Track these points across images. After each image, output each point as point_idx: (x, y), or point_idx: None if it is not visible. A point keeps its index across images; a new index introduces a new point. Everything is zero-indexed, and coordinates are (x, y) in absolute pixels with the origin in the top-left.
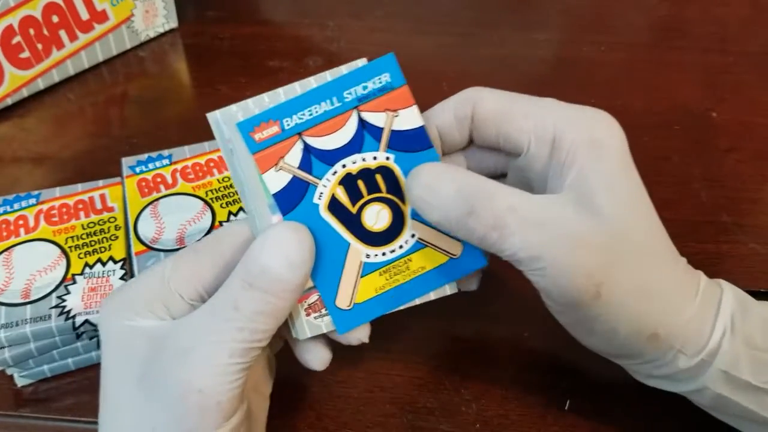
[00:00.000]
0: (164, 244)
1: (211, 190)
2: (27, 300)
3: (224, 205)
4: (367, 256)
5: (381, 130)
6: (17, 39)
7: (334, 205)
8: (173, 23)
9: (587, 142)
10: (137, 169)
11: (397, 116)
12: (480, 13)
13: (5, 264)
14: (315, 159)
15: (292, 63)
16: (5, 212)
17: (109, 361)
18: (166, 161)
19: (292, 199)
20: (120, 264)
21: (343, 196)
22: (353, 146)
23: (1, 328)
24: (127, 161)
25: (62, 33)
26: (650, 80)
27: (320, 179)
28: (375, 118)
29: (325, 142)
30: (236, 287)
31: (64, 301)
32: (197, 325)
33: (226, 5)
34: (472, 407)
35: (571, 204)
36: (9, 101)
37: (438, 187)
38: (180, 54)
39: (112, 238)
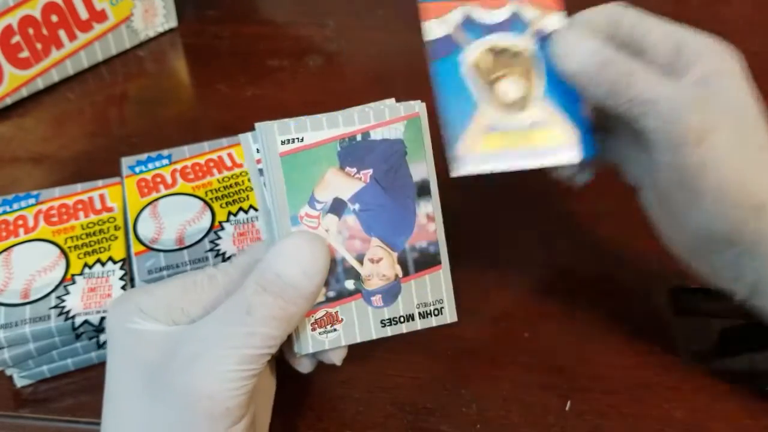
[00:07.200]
0: (164, 244)
1: (210, 190)
2: (26, 300)
3: (224, 205)
4: (493, 119)
5: (531, 21)
6: (16, 38)
7: (475, 70)
8: (173, 23)
9: (711, 51)
10: (137, 169)
11: (548, 15)
12: None
13: (5, 264)
14: (470, 25)
15: (291, 62)
16: (4, 212)
17: (114, 364)
18: (165, 161)
19: (441, 50)
20: (119, 264)
21: (484, 64)
22: (506, 26)
23: (1, 329)
24: (126, 161)
25: (61, 32)
26: None
27: (470, 43)
28: (530, 11)
29: (483, 15)
30: (250, 291)
31: (63, 301)
32: (207, 330)
33: (226, 5)
34: (473, 408)
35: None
36: (8, 101)
37: (578, 44)
38: (179, 53)
39: (112, 238)
